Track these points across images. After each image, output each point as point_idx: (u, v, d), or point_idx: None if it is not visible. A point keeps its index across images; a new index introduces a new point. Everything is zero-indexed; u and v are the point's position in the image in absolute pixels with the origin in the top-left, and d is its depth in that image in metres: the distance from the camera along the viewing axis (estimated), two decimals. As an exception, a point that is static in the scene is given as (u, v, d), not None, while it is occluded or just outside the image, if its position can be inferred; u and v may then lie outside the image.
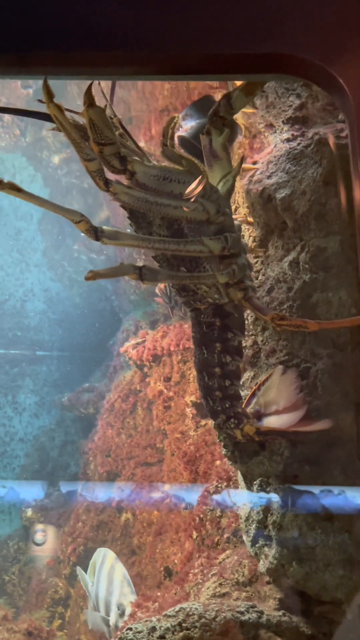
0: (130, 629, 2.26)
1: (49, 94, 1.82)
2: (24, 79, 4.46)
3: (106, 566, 4.56)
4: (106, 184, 2.02)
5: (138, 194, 2.08)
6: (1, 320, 8.35)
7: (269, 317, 2.18)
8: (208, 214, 2.16)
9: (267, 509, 2.52)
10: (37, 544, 6.36)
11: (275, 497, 2.45)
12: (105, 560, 4.62)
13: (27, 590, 6.17)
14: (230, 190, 2.26)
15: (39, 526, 6.42)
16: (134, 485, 5.34)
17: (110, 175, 2.10)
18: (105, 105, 1.97)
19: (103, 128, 1.91)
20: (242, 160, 2.42)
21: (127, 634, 2.25)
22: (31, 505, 6.66)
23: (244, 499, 2.68)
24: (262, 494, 2.51)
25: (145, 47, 1.76)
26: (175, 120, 2.27)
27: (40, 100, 2.13)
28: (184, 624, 2.21)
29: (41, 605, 5.76)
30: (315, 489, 2.37)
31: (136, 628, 2.26)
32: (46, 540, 6.32)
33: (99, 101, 2.03)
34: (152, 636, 2.21)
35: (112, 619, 4.19)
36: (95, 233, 2.00)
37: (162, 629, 2.22)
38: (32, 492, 6.97)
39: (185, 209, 2.10)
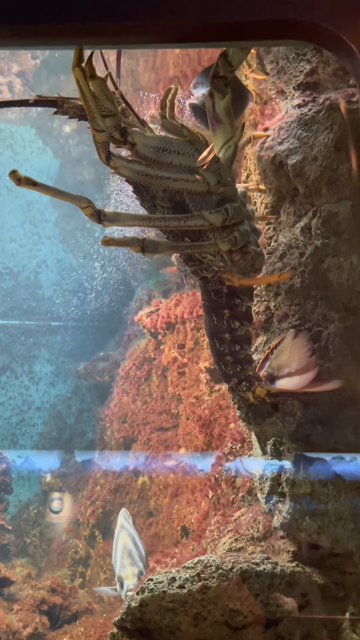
0: (151, 579, 2.38)
1: (80, 57, 1.82)
2: (33, 49, 4.45)
3: (115, 533, 4.60)
4: (107, 158, 2.05)
5: (138, 167, 2.10)
6: (16, 292, 8.45)
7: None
8: (208, 186, 2.18)
9: (280, 469, 2.60)
10: (55, 512, 6.54)
11: (287, 465, 2.52)
12: (116, 526, 4.67)
13: (48, 552, 6.39)
14: (232, 157, 2.26)
15: (56, 494, 6.59)
16: (150, 451, 5.45)
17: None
18: (106, 76, 1.98)
19: (104, 100, 1.94)
20: (244, 126, 2.42)
21: (148, 584, 2.36)
22: (48, 472, 6.84)
23: (257, 467, 2.76)
24: (275, 461, 2.58)
25: (158, 16, 1.78)
26: (172, 92, 2.29)
27: (39, 96, 2.17)
28: (202, 575, 2.33)
29: (62, 565, 5.98)
30: (327, 456, 2.45)
31: (157, 579, 2.37)
32: (63, 508, 6.48)
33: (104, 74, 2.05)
34: (172, 586, 2.33)
35: (117, 589, 4.27)
36: (99, 216, 2.05)
37: (182, 579, 2.34)
38: (48, 461, 7.13)
39: (185, 180, 2.13)
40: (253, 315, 2.62)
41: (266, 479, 2.63)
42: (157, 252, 2.19)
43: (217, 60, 2.10)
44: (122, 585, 4.12)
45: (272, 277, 2.65)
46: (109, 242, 2.01)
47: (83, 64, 1.84)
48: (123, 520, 4.68)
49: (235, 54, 2.08)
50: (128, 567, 4.18)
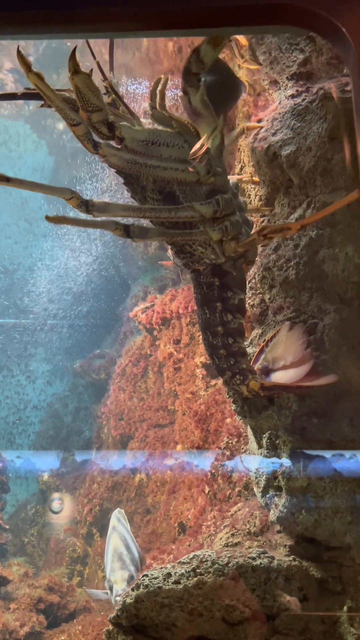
0: (146, 575, 2.35)
1: (26, 64, 1.82)
2: (24, 39, 4.41)
3: (107, 536, 4.53)
4: (95, 147, 2.02)
5: (127, 155, 2.07)
6: (11, 290, 8.42)
7: (256, 233, 2.19)
8: (198, 175, 2.15)
9: (277, 463, 2.58)
10: (55, 512, 6.51)
11: (287, 462, 2.50)
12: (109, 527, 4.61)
13: (46, 551, 6.36)
14: (221, 146, 2.23)
15: (56, 495, 6.56)
16: (148, 449, 5.43)
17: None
18: (91, 70, 1.95)
19: (89, 95, 1.90)
20: (225, 115, 2.38)
21: (144, 580, 2.34)
22: (46, 471, 6.81)
23: (256, 464, 2.73)
24: (275, 459, 2.56)
25: (149, 1, 1.75)
26: (162, 82, 2.26)
27: (27, 89, 2.15)
28: (197, 570, 2.30)
29: (60, 563, 5.95)
30: (327, 454, 2.42)
31: (152, 574, 2.35)
32: (63, 508, 6.46)
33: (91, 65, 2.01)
34: (167, 582, 2.31)
35: (108, 593, 4.21)
36: (86, 207, 2.01)
37: (177, 574, 2.31)
38: (47, 461, 7.10)
39: (175, 168, 2.11)
40: (247, 307, 2.60)
41: (262, 472, 2.61)
42: (146, 239, 2.17)
43: (189, 57, 2.07)
44: (111, 590, 4.07)
45: (349, 198, 2.24)
46: (59, 221, 1.96)
47: (32, 68, 1.83)
48: (115, 521, 4.59)
49: (207, 51, 2.04)
50: (118, 571, 4.10)
